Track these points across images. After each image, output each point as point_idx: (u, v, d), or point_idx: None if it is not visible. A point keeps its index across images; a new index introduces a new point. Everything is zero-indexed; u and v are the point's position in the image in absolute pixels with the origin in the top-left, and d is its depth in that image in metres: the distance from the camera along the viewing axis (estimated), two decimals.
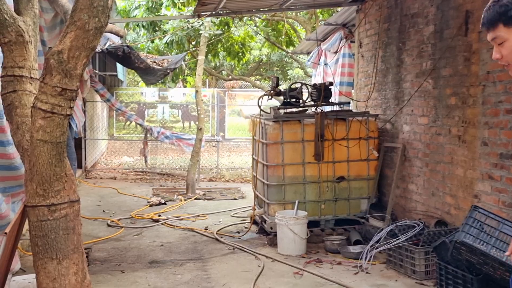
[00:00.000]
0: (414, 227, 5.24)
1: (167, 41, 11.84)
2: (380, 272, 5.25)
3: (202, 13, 7.94)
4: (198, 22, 10.13)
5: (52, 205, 3.23)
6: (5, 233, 3.14)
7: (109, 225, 7.21)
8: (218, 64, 19.43)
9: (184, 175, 11.20)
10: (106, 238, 6.52)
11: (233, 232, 6.91)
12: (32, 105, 3.15)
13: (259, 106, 6.59)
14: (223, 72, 20.57)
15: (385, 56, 6.89)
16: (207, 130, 15.69)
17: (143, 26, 12.48)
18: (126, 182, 11.13)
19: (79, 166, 10.62)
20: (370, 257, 5.38)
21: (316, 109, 6.63)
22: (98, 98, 11.67)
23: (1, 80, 3.54)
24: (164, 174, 12.24)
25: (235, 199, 9.29)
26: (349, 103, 7.32)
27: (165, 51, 14.00)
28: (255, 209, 6.88)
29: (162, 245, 6.28)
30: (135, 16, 12.20)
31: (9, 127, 3.69)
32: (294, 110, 6.76)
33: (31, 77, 3.57)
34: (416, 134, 6.04)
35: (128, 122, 16.02)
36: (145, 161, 11.86)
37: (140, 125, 11.68)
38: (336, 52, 9.22)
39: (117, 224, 7.27)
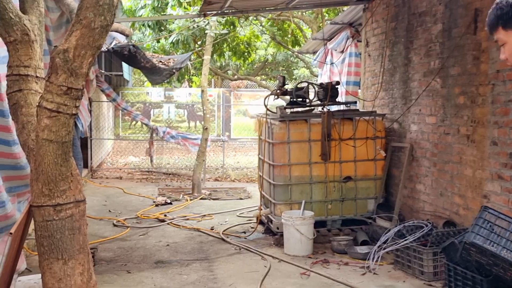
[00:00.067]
0: (422, 227, 5.19)
1: (173, 41, 11.82)
2: (388, 273, 5.21)
3: (208, 12, 7.91)
4: (204, 22, 10.11)
5: (57, 205, 3.20)
6: (10, 233, 3.11)
7: (115, 225, 7.20)
8: (223, 64, 19.41)
9: (189, 174, 11.18)
10: (112, 238, 6.50)
11: (239, 232, 6.88)
12: (37, 104, 3.13)
13: (265, 106, 6.55)
14: (228, 72, 20.54)
15: (392, 55, 6.84)
16: (212, 130, 15.68)
17: (149, 26, 12.48)
18: (132, 182, 11.12)
19: (85, 165, 10.63)
20: (378, 257, 5.33)
21: (322, 109, 6.59)
22: (104, 98, 11.67)
23: (6, 79, 3.52)
24: (170, 174, 12.22)
25: (241, 199, 9.26)
26: (356, 102, 7.27)
27: (170, 51, 13.99)
28: (261, 209, 6.85)
29: (168, 245, 6.25)
30: (141, 15, 12.19)
31: (14, 127, 3.67)
32: (300, 109, 6.72)
33: (36, 76, 3.55)
34: (424, 133, 5.98)
35: (134, 122, 16.04)
36: (151, 161, 11.85)
37: (146, 124, 11.67)
38: (342, 51, 9.16)
39: (123, 224, 7.26)
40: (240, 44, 14.02)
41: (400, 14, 6.62)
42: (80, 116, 7.35)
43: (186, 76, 16.90)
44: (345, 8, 11.80)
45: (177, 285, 4.89)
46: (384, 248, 5.33)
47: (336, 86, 6.72)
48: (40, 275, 3.28)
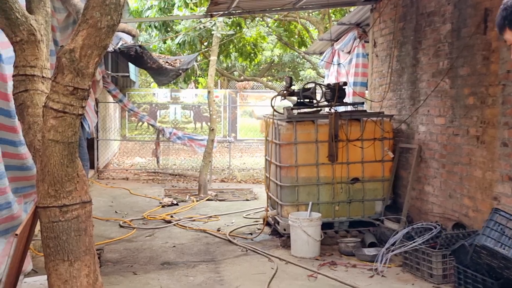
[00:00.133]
0: (431, 229, 5.13)
1: (179, 42, 11.80)
2: (396, 275, 5.15)
3: (215, 13, 7.88)
4: (210, 23, 10.08)
5: (63, 206, 3.18)
6: (16, 234, 3.09)
7: (121, 226, 7.18)
8: (230, 65, 19.39)
9: (196, 175, 11.16)
10: (118, 239, 6.48)
11: (246, 233, 6.84)
12: (43, 104, 3.11)
13: (272, 106, 6.51)
14: (235, 73, 20.52)
15: (400, 55, 6.78)
16: (219, 131, 15.65)
17: (155, 27, 12.47)
18: (138, 182, 11.12)
19: (92, 166, 10.63)
20: (386, 260, 5.27)
21: (330, 109, 6.54)
22: (110, 98, 11.68)
23: (13, 79, 3.51)
24: (176, 175, 12.21)
25: (247, 200, 9.22)
26: (363, 103, 7.22)
27: (177, 52, 13.98)
28: (268, 211, 6.80)
29: (174, 246, 6.23)
30: (148, 16, 12.19)
31: (20, 127, 3.66)
32: (307, 110, 6.67)
33: (43, 76, 3.53)
34: (433, 134, 5.92)
35: (140, 123, 16.03)
36: (157, 161, 11.83)
37: (152, 125, 11.66)
38: (349, 52, 9.11)
39: (129, 225, 7.24)
40: (247, 45, 13.98)
41: (408, 14, 6.56)
42: (86, 117, 7.35)
43: (192, 77, 16.89)
44: (352, 8, 11.75)
45: (184, 287, 4.86)
46: (393, 250, 5.27)
47: (344, 87, 6.67)
48: (46, 276, 3.26)
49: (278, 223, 6.41)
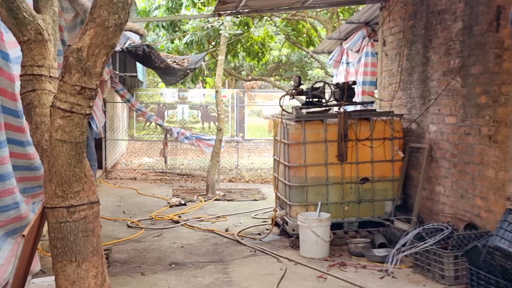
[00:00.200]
0: (442, 230, 5.06)
1: (187, 41, 11.77)
2: (407, 276, 5.08)
3: (222, 12, 7.84)
4: (218, 22, 10.05)
5: (71, 207, 3.16)
6: (23, 235, 3.06)
7: (129, 226, 7.16)
8: (237, 65, 19.35)
9: (204, 175, 11.13)
10: (126, 239, 6.46)
11: (254, 234, 6.79)
12: (51, 104, 3.09)
13: (281, 106, 6.46)
14: (242, 72, 20.49)
15: (410, 54, 6.71)
16: (226, 130, 15.62)
17: (163, 27, 12.46)
18: (146, 182, 11.11)
19: (99, 166, 10.63)
20: (397, 261, 5.21)
21: (339, 109, 6.48)
22: (118, 98, 11.68)
23: (20, 79, 3.48)
24: (184, 175, 12.19)
25: (256, 200, 9.18)
26: (373, 102, 7.14)
27: (184, 52, 13.96)
28: (276, 211, 6.75)
29: (182, 246, 6.19)
30: (155, 16, 12.18)
31: (28, 127, 3.64)
32: (316, 109, 6.61)
33: (50, 76, 3.51)
34: (444, 134, 5.84)
35: (148, 123, 16.04)
36: (165, 161, 11.82)
37: (160, 125, 11.65)
38: (358, 51, 9.04)
39: (137, 225, 7.22)
40: (254, 45, 13.93)
41: (418, 12, 6.49)
42: (94, 116, 7.34)
43: (200, 77, 16.87)
44: (360, 7, 11.68)
45: None
46: (403, 251, 5.20)
47: (353, 86, 6.61)
48: (53, 277, 3.23)
49: (286, 223, 6.36)
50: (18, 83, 3.66)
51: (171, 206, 8.46)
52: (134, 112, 14.78)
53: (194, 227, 7.12)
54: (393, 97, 7.09)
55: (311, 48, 14.43)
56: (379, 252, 5.67)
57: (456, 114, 5.58)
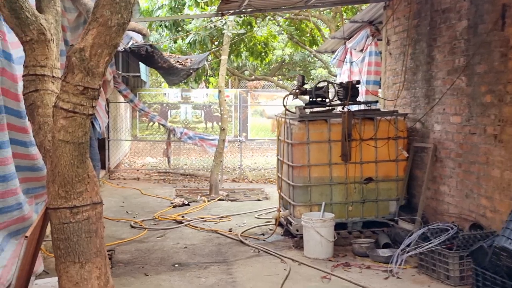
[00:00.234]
0: (447, 230, 5.02)
1: (190, 41, 11.76)
2: (412, 277, 5.05)
3: (225, 12, 7.82)
4: (221, 22, 10.02)
5: (74, 207, 3.14)
6: (26, 236, 3.05)
7: (132, 227, 7.14)
8: (240, 64, 19.33)
9: (207, 175, 11.12)
10: (130, 240, 6.44)
11: (258, 234, 6.77)
12: (53, 104, 3.07)
13: (285, 106, 6.43)
14: (245, 72, 20.46)
15: (414, 53, 6.67)
16: (229, 130, 15.57)
17: (166, 27, 12.44)
18: (149, 182, 11.10)
19: (103, 167, 10.63)
20: (401, 261, 5.18)
21: (343, 108, 6.45)
22: (121, 99, 11.67)
23: (22, 79, 3.47)
24: (187, 175, 12.17)
25: (259, 200, 9.15)
26: (377, 102, 7.10)
27: (187, 51, 13.95)
28: (280, 211, 6.73)
29: (185, 247, 6.17)
30: (158, 16, 12.17)
31: (31, 128, 3.62)
32: (320, 109, 6.58)
33: (53, 76, 3.49)
34: (448, 133, 5.80)
35: (151, 123, 16.02)
36: (168, 161, 11.81)
37: (163, 125, 11.63)
38: (362, 50, 9.01)
39: (141, 225, 7.20)
40: (257, 44, 13.92)
41: (422, 11, 6.45)
42: (97, 117, 7.33)
43: (203, 77, 16.85)
44: (363, 6, 11.63)
45: None
46: (408, 251, 5.17)
47: (357, 85, 6.57)
48: (56, 278, 3.22)
49: (290, 223, 6.33)
50: (21, 84, 3.66)
51: (174, 207, 8.45)
52: (137, 112, 14.76)
53: (197, 227, 7.10)
54: (397, 97, 7.06)
55: (315, 48, 14.39)
56: (384, 252, 5.64)
57: (461, 113, 5.54)
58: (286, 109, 6.44)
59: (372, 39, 8.64)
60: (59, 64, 3.64)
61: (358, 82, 6.67)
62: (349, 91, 6.44)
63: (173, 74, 10.50)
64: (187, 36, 11.88)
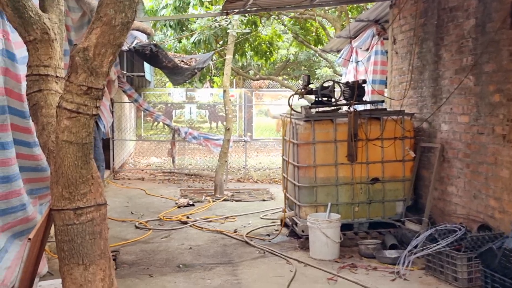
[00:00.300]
0: (455, 231, 4.96)
1: (195, 41, 11.72)
2: (419, 278, 4.99)
3: (230, 11, 7.77)
4: (226, 21, 9.98)
5: (78, 209, 3.11)
6: (29, 239, 3.01)
7: (137, 227, 7.11)
8: (245, 64, 19.28)
9: (212, 175, 11.08)
10: (134, 241, 6.41)
11: (263, 235, 6.72)
12: (57, 104, 3.04)
13: (290, 105, 6.38)
14: (250, 71, 20.41)
15: (421, 52, 6.60)
16: (234, 130, 15.55)
17: (170, 26, 12.41)
18: (154, 183, 11.07)
19: (107, 167, 10.61)
20: (408, 262, 5.12)
21: (349, 108, 6.39)
22: (125, 98, 11.65)
23: (26, 79, 3.44)
24: (191, 175, 12.14)
25: (264, 200, 9.11)
26: (383, 101, 7.04)
27: (192, 51, 13.92)
28: (285, 211, 6.68)
29: (190, 248, 6.13)
30: (163, 15, 12.14)
31: (35, 128, 3.59)
32: (326, 109, 6.53)
33: (56, 76, 3.46)
34: (456, 133, 5.74)
35: (156, 123, 16.00)
36: (173, 161, 11.78)
37: (168, 125, 11.61)
38: (367, 50, 8.94)
39: (145, 226, 7.17)
40: (262, 44, 13.86)
41: (429, 10, 6.38)
42: (102, 117, 7.30)
43: (207, 77, 16.81)
44: (369, 5, 11.56)
45: None
46: (415, 253, 5.11)
47: (363, 85, 6.51)
48: (60, 280, 3.18)
49: (296, 224, 6.28)
50: (24, 84, 3.62)
51: (179, 207, 8.41)
52: (142, 112, 14.74)
53: (202, 228, 7.06)
54: (403, 96, 6.99)
55: (320, 47, 14.32)
56: (390, 253, 5.58)
57: (469, 113, 5.48)
58: (292, 109, 6.39)
59: (378, 38, 8.57)
60: (63, 63, 3.60)
61: (364, 81, 6.61)
62: (355, 90, 6.39)
63: (177, 74, 10.46)
64: (191, 35, 11.84)
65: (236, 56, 13.82)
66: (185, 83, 14.35)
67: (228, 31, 10.15)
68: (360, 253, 5.79)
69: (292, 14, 13.83)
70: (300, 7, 8.87)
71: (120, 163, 12.58)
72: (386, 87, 8.36)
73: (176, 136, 11.25)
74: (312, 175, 6.14)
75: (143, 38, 8.82)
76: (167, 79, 16.51)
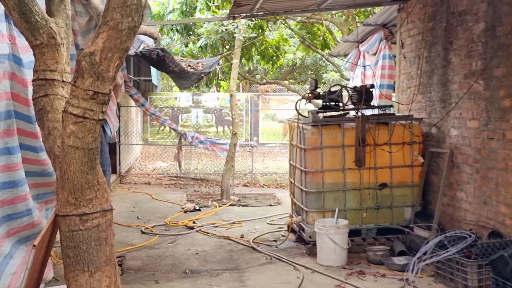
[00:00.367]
0: (465, 238, 4.89)
1: (201, 45, 11.72)
2: (428, 286, 4.92)
3: (237, 15, 7.75)
4: (233, 25, 9.97)
5: (84, 215, 3.08)
6: (34, 245, 2.98)
7: (143, 232, 7.07)
8: (252, 68, 19.27)
9: (218, 180, 11.04)
10: (140, 246, 6.37)
11: (270, 240, 6.67)
12: (63, 109, 3.01)
13: (297, 110, 6.33)
14: (257, 76, 20.40)
15: (429, 56, 6.54)
16: (241, 134, 15.52)
17: (177, 30, 12.42)
18: (160, 187, 11.05)
19: (114, 171, 10.60)
20: (418, 269, 5.05)
21: (356, 113, 6.34)
22: (132, 103, 11.65)
23: (32, 84, 3.42)
24: (198, 179, 12.11)
25: (271, 205, 9.05)
26: (391, 106, 6.98)
27: (199, 55, 13.92)
28: (292, 217, 6.62)
29: (197, 253, 6.09)
30: (170, 20, 12.15)
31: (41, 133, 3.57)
32: (333, 113, 6.48)
33: (63, 81, 3.44)
34: (465, 138, 5.67)
35: (162, 127, 16.02)
36: (179, 166, 11.76)
37: (174, 130, 11.59)
38: (375, 54, 8.89)
39: (151, 231, 7.13)
40: (269, 48, 13.85)
41: (438, 14, 6.33)
42: (108, 121, 7.28)
43: (214, 81, 16.81)
44: (376, 10, 11.51)
45: None
46: (424, 260, 5.04)
47: (371, 89, 6.46)
48: (65, 286, 3.15)
49: (303, 230, 6.22)
50: (31, 88, 3.60)
51: (185, 212, 8.37)
52: (148, 116, 14.76)
53: (208, 233, 7.02)
54: (412, 101, 6.93)
55: (326, 51, 14.28)
56: (399, 260, 5.51)
57: (479, 118, 5.41)
58: (299, 114, 6.34)
59: (385, 42, 8.52)
60: (69, 68, 3.58)
61: (372, 86, 6.55)
62: (363, 95, 6.33)
63: (184, 78, 10.45)
64: (198, 40, 11.84)
65: (243, 60, 13.81)
66: (191, 88, 14.36)
67: (234, 35, 10.13)
68: (368, 259, 5.73)
69: (299, 18, 13.80)
70: (307, 11, 8.84)
71: (127, 167, 12.58)
72: (393, 92, 8.30)
73: (182, 140, 11.22)
74: (319, 180, 6.09)
75: (150, 43, 8.82)
76: (174, 84, 16.51)
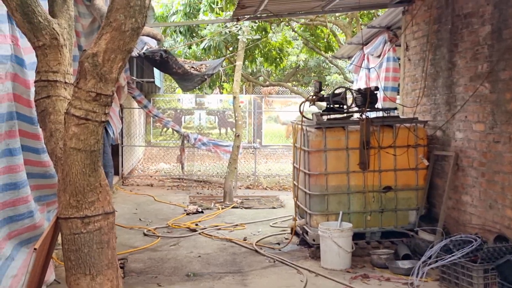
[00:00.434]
0: (470, 242, 4.83)
1: (205, 47, 11.69)
2: None
3: (241, 17, 7.72)
4: (236, 27, 9.94)
5: (85, 217, 3.05)
6: (35, 248, 2.95)
7: (145, 234, 7.04)
8: (255, 70, 19.24)
9: (221, 182, 11.00)
10: (143, 248, 6.33)
11: (273, 243, 6.63)
12: (65, 111, 2.98)
13: (301, 112, 6.29)
14: (260, 78, 20.37)
15: (434, 59, 6.50)
16: (244, 136, 15.48)
17: (181, 32, 12.40)
18: (162, 189, 11.01)
19: (116, 173, 10.57)
20: (422, 273, 4.99)
21: (361, 115, 6.29)
22: (135, 104, 11.63)
23: (34, 85, 3.39)
24: (201, 181, 12.08)
25: (274, 208, 9.01)
26: (395, 109, 6.93)
27: (202, 57, 13.89)
28: (296, 220, 6.58)
29: (199, 256, 6.05)
30: (173, 21, 12.13)
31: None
32: (337, 116, 6.43)
33: (65, 82, 3.41)
34: (471, 141, 5.62)
35: (165, 129, 15.99)
36: (182, 168, 11.73)
37: (177, 131, 11.56)
38: (379, 56, 8.84)
39: (154, 233, 7.09)
40: (272, 50, 13.80)
41: (443, 16, 6.28)
42: (111, 123, 7.26)
43: (217, 83, 16.78)
44: (380, 12, 11.47)
45: None
46: (429, 264, 4.99)
47: (375, 92, 6.41)
48: None
49: (306, 233, 6.18)
50: (33, 89, 3.57)
51: (188, 214, 8.34)
52: (151, 118, 14.75)
53: (211, 236, 6.98)
54: (417, 103, 6.88)
55: (330, 53, 14.25)
56: (404, 264, 5.46)
57: (485, 121, 5.36)
58: (303, 116, 6.30)
59: (390, 45, 8.47)
60: (72, 69, 3.55)
61: (377, 88, 6.51)
62: (367, 97, 6.29)
63: (187, 80, 10.41)
64: (201, 41, 11.82)
65: (246, 62, 13.77)
66: (194, 89, 14.32)
67: (238, 37, 10.11)
68: (372, 263, 5.68)
69: (303, 20, 13.77)
70: (311, 13, 8.81)
71: (129, 169, 12.55)
72: (398, 94, 8.25)
73: (185, 142, 11.19)
74: (323, 183, 6.04)
75: (153, 44, 8.79)
76: (177, 85, 16.49)
